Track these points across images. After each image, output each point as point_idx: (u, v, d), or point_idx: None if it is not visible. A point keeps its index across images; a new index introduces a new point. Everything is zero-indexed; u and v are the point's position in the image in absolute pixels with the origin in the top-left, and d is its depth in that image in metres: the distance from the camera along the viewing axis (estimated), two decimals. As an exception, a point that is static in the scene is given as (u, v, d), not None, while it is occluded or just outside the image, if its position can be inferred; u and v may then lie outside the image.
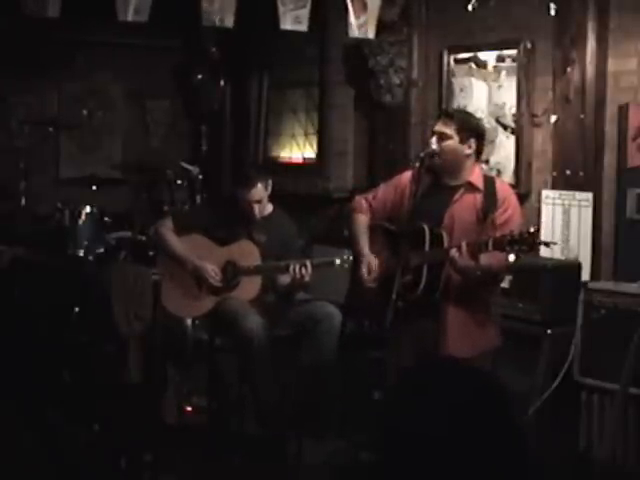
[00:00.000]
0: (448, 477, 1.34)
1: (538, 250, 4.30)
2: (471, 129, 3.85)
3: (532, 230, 3.45)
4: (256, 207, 4.71)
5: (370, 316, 4.57)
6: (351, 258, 4.33)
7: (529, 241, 3.42)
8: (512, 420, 1.41)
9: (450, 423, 1.36)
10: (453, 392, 1.40)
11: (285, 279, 4.62)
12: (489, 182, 3.85)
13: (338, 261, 4.44)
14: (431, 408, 1.37)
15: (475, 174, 3.85)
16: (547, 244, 3.75)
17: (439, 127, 3.82)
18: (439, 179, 3.87)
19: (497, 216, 3.71)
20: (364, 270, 3.90)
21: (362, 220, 4.07)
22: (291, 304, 4.80)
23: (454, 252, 3.56)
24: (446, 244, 3.72)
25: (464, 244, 3.55)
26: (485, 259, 3.60)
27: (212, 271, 4.66)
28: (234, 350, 4.66)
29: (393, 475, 1.38)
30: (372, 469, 1.43)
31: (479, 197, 3.78)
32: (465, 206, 3.79)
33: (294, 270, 4.46)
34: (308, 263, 4.48)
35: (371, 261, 3.91)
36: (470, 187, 3.81)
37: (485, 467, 1.35)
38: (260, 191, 4.70)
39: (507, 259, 3.60)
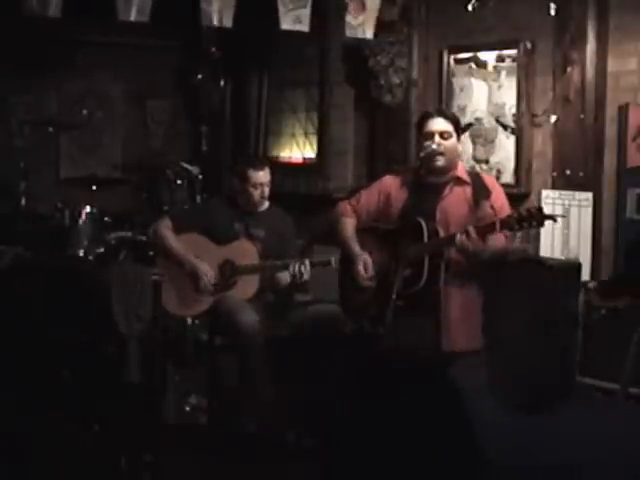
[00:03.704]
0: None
1: (537, 239, 4.34)
2: (460, 126, 3.95)
3: (538, 206, 3.51)
4: (265, 190, 4.72)
5: (369, 317, 4.57)
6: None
7: (537, 217, 3.45)
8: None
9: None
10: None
11: (284, 278, 4.63)
12: (475, 175, 3.95)
13: (334, 261, 4.45)
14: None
15: (460, 169, 3.91)
16: (554, 218, 3.70)
17: (441, 126, 3.83)
18: (425, 178, 3.90)
19: (493, 202, 3.75)
20: (360, 268, 3.93)
21: (350, 223, 4.12)
22: (292, 305, 4.81)
23: (461, 237, 3.57)
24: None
25: (470, 227, 3.57)
26: (491, 242, 3.64)
27: (207, 272, 4.67)
28: (233, 348, 4.66)
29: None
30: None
31: (468, 190, 3.83)
32: (455, 200, 3.84)
33: (292, 269, 4.47)
34: (307, 262, 4.49)
35: (366, 259, 3.95)
36: (458, 181, 3.86)
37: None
38: (268, 174, 4.73)
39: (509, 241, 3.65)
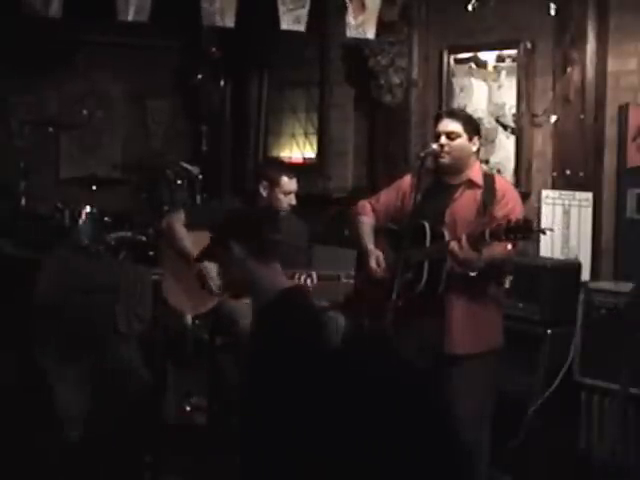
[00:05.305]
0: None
1: (537, 240, 4.33)
2: (475, 126, 3.90)
3: (527, 218, 3.48)
4: (293, 197, 4.73)
5: (370, 317, 4.58)
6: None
7: (525, 228, 3.43)
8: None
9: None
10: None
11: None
12: (489, 179, 3.89)
13: (343, 277, 4.43)
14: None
15: (475, 171, 3.87)
16: (543, 231, 3.72)
17: (447, 126, 3.83)
18: (440, 178, 3.89)
19: (496, 210, 3.73)
20: (372, 263, 3.93)
21: (366, 221, 4.10)
22: None
23: (454, 244, 3.57)
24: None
25: (464, 236, 3.57)
26: (488, 251, 3.61)
27: (214, 274, 4.65)
28: (233, 349, 4.66)
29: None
30: None
31: (479, 193, 3.81)
32: (465, 203, 3.81)
33: (299, 280, 4.47)
34: (314, 274, 4.48)
35: (378, 255, 3.94)
36: (470, 184, 3.84)
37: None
38: (296, 182, 4.74)
39: (508, 248, 3.62)
